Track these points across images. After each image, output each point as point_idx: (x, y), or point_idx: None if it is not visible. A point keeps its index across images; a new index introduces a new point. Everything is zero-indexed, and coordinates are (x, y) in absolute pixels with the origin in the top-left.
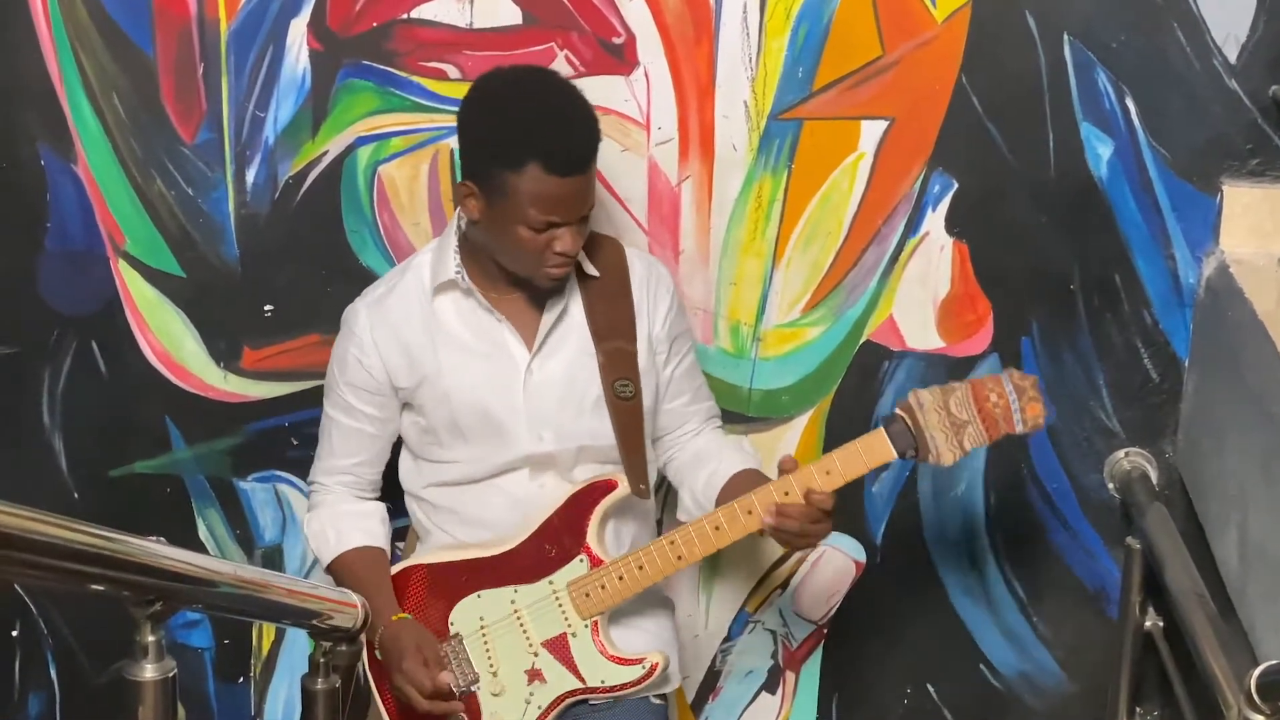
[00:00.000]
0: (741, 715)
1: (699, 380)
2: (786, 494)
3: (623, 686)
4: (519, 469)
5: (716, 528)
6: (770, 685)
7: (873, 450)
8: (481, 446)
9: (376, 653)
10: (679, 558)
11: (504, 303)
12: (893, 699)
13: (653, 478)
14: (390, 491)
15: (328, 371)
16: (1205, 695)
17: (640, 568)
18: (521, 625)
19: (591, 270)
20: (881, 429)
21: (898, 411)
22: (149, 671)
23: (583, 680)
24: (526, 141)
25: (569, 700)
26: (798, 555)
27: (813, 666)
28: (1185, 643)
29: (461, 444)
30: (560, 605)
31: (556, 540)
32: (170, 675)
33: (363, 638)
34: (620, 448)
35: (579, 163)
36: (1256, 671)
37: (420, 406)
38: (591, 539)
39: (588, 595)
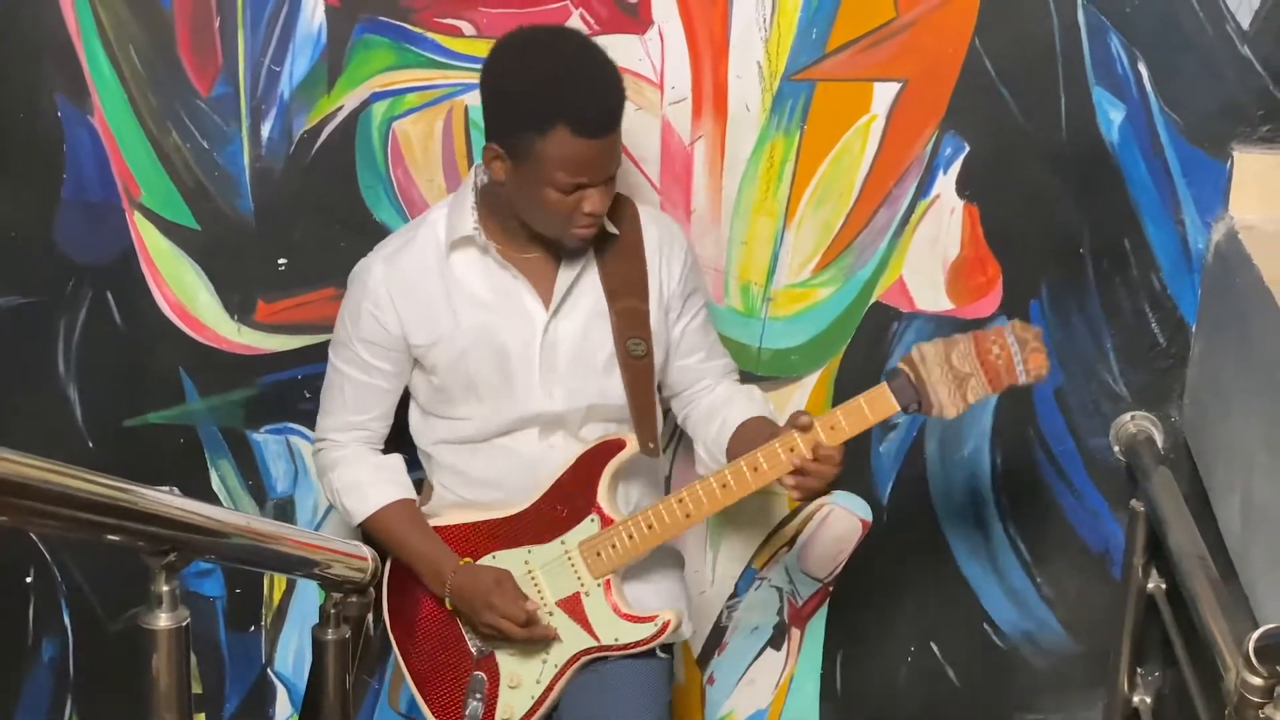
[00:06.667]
0: (747, 671)
1: (712, 337)
2: (792, 450)
3: (637, 644)
4: (528, 428)
5: (724, 485)
6: (775, 641)
7: (876, 404)
8: (493, 404)
9: (447, 601)
10: (687, 515)
11: (521, 261)
12: (897, 657)
13: (661, 436)
14: (402, 443)
15: (337, 325)
16: (1206, 657)
17: (650, 526)
18: (536, 585)
19: (612, 229)
20: (884, 384)
21: (900, 365)
22: (163, 620)
23: (597, 639)
24: (553, 104)
25: (584, 659)
26: (805, 513)
27: (818, 624)
28: (1187, 605)
29: (473, 401)
30: (573, 565)
31: (568, 500)
32: (184, 624)
33: (372, 590)
34: (630, 406)
35: (607, 123)
36: (1255, 635)
37: (434, 365)
38: (602, 498)
39: (599, 554)
